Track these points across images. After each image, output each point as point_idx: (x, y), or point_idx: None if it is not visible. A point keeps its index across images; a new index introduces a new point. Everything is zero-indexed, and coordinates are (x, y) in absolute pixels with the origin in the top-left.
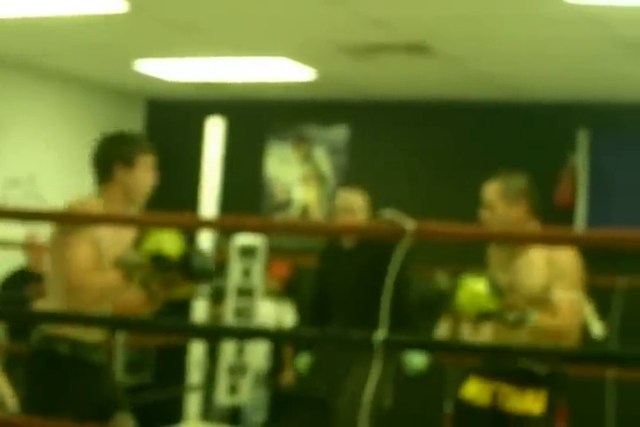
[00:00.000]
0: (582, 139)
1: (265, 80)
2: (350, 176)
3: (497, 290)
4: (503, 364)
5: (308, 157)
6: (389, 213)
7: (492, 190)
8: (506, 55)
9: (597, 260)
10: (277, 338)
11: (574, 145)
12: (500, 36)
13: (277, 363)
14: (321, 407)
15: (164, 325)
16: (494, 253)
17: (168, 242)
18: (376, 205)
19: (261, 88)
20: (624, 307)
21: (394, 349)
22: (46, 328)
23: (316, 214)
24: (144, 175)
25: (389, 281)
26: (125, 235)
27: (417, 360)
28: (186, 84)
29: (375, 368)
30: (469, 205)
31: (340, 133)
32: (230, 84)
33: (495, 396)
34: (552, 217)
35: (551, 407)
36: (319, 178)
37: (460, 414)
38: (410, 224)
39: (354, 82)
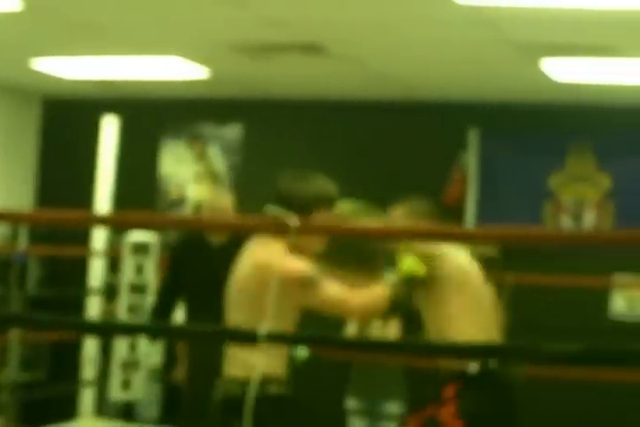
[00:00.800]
0: (473, 138)
1: (160, 79)
2: (244, 174)
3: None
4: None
5: (202, 156)
6: (274, 210)
7: (397, 214)
8: (400, 56)
9: (484, 258)
10: (167, 333)
11: (465, 144)
12: (395, 37)
13: (170, 358)
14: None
15: (58, 322)
16: None
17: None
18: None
19: (157, 87)
20: (510, 304)
21: (277, 342)
22: None
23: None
24: None
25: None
26: None
27: (300, 351)
28: (82, 83)
29: (260, 360)
30: (365, 201)
31: (234, 132)
32: (126, 83)
33: None
34: (443, 216)
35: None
36: (213, 176)
37: None
38: (294, 220)
39: (248, 81)
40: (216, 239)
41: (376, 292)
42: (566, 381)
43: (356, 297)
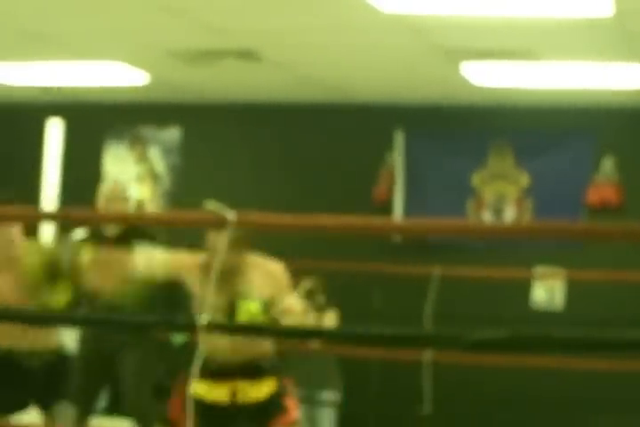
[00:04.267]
0: (399, 139)
1: (103, 84)
2: (183, 175)
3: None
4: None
5: (143, 157)
6: (212, 205)
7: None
8: (329, 61)
9: (413, 251)
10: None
11: (392, 145)
12: (325, 43)
13: None
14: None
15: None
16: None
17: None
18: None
19: (99, 91)
20: (438, 295)
21: (215, 331)
22: None
23: (150, 210)
24: None
25: (216, 270)
26: None
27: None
28: (27, 88)
29: (200, 351)
30: (296, 200)
31: (173, 135)
32: (70, 88)
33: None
34: (371, 213)
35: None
36: (153, 176)
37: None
38: (231, 214)
39: (187, 86)
40: (111, 231)
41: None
42: (489, 367)
43: None
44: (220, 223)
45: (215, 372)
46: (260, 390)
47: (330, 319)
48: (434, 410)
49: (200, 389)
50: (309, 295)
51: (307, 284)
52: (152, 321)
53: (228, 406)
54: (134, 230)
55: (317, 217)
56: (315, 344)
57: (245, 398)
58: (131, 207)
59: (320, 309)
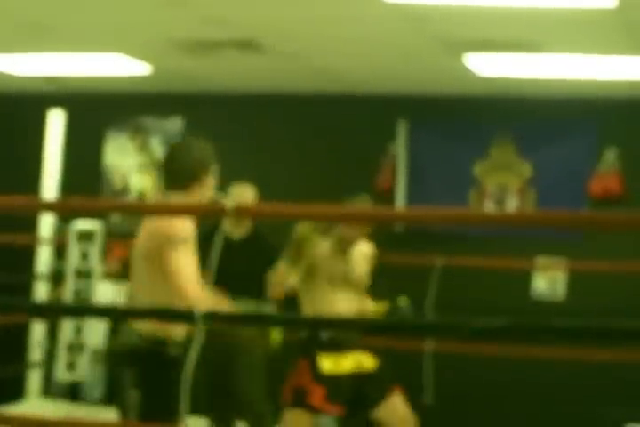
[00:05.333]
0: (401, 129)
1: (104, 75)
2: None
3: None
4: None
5: (144, 147)
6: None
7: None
8: (332, 51)
9: (416, 240)
10: (111, 315)
11: (394, 135)
12: (327, 34)
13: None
14: None
15: (4, 304)
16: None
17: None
18: None
19: (101, 82)
20: (440, 284)
21: (214, 322)
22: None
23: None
24: None
25: (214, 258)
26: None
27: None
28: (30, 79)
29: (197, 339)
30: (297, 190)
31: (175, 125)
32: (72, 79)
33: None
34: (373, 203)
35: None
36: (155, 167)
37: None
38: (230, 203)
39: (188, 76)
40: (237, 233)
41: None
42: (491, 357)
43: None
44: (218, 212)
45: (340, 344)
46: (370, 361)
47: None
48: (435, 400)
49: (327, 362)
50: None
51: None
52: (148, 311)
53: (354, 377)
54: (259, 234)
55: (317, 206)
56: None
57: (365, 369)
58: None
59: None
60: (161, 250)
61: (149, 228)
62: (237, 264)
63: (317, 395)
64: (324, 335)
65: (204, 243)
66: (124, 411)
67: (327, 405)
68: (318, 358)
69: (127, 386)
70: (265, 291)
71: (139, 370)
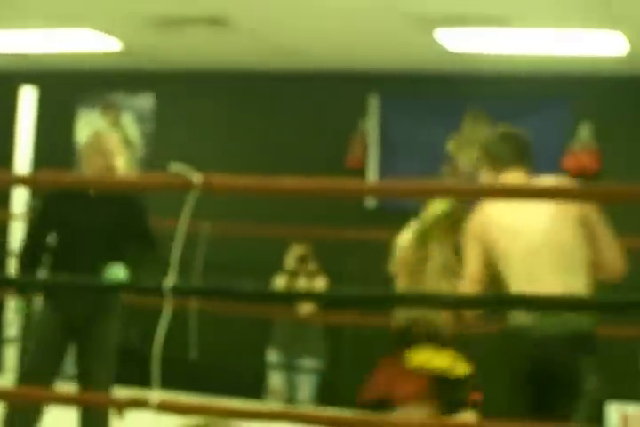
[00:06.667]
0: (373, 105)
1: (75, 51)
2: (157, 141)
3: None
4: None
5: (116, 124)
6: (177, 167)
7: None
8: (301, 27)
9: (388, 217)
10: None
11: (365, 111)
12: (295, 9)
13: None
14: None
15: None
16: None
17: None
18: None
19: (71, 58)
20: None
21: (182, 295)
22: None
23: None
24: None
25: (180, 233)
26: None
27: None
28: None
29: (165, 314)
30: (269, 166)
31: (146, 101)
32: (42, 55)
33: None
34: (344, 179)
35: None
36: (127, 143)
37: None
38: (197, 177)
39: (159, 52)
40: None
41: None
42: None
43: None
44: (185, 186)
45: (435, 339)
46: (463, 366)
47: (320, 286)
48: None
49: (422, 357)
50: (302, 262)
51: (298, 250)
52: (117, 285)
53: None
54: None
55: (284, 179)
56: (305, 310)
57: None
58: (116, 163)
59: (312, 275)
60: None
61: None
62: (91, 218)
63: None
64: (423, 328)
65: (56, 200)
66: None
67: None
68: (413, 351)
69: None
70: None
71: None
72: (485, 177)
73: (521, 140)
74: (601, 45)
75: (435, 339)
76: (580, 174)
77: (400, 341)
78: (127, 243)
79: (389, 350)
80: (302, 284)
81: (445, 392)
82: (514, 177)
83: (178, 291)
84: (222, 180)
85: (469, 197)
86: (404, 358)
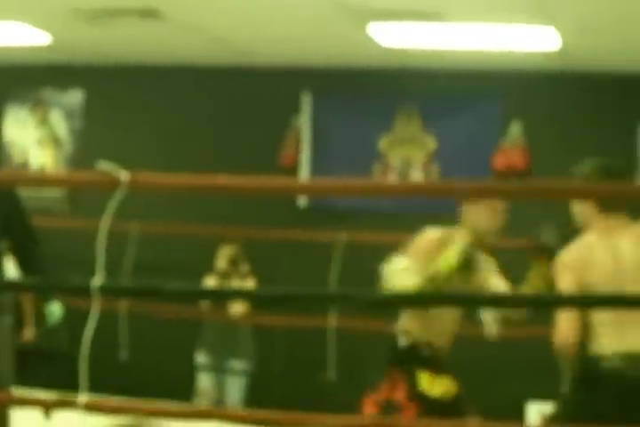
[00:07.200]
0: (305, 102)
1: (2, 44)
2: (86, 139)
3: None
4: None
5: (44, 121)
6: (104, 165)
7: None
8: (236, 22)
9: (320, 216)
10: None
11: (298, 108)
12: (231, 4)
13: (18, 319)
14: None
15: None
16: None
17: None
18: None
19: None
20: (343, 261)
21: (110, 295)
22: None
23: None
24: None
25: (103, 232)
26: None
27: (55, 309)
28: None
29: (93, 314)
30: (200, 164)
31: (75, 97)
32: None
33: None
34: (277, 177)
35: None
36: (55, 140)
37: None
38: (124, 175)
39: (89, 47)
40: None
41: None
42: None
43: None
44: (112, 184)
45: (438, 364)
46: (454, 386)
47: (250, 287)
48: (338, 377)
49: (425, 381)
50: (233, 263)
51: (228, 251)
52: (45, 284)
53: (451, 401)
54: None
55: (214, 177)
56: (236, 311)
57: (449, 394)
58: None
59: (244, 276)
60: None
61: None
62: None
63: (410, 414)
64: (425, 351)
65: None
66: None
67: None
68: (418, 374)
69: None
70: None
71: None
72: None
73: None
74: (533, 41)
75: (434, 362)
76: (508, 172)
77: (399, 362)
78: (9, 239)
79: (384, 371)
80: (234, 285)
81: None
82: (618, 223)
83: (105, 291)
84: (150, 178)
85: (403, 195)
86: (403, 382)
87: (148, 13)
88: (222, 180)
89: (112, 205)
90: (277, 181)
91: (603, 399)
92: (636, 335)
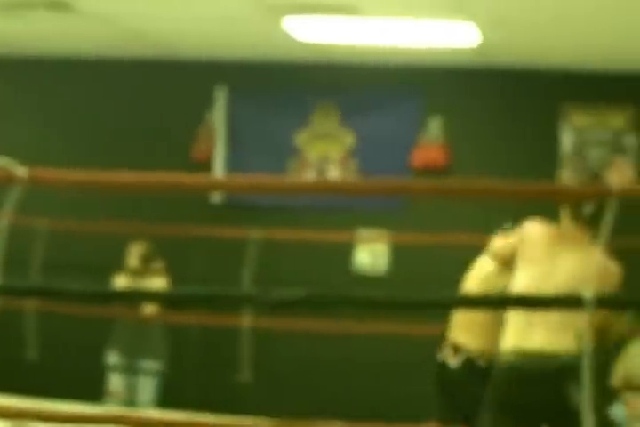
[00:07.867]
0: (220, 96)
1: None
2: None
3: None
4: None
5: None
6: (1, 161)
7: None
8: (149, 15)
9: (234, 213)
10: None
11: (212, 102)
12: None
13: None
14: None
15: None
16: None
17: None
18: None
19: None
20: (258, 258)
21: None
22: None
23: None
24: None
25: (1, 229)
26: None
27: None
28: None
29: None
30: (109, 159)
31: None
32: None
33: None
34: (190, 172)
35: None
36: None
37: None
38: (22, 171)
39: None
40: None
41: None
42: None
43: None
44: (8, 180)
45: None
46: None
47: (159, 285)
48: (253, 377)
49: None
50: (146, 261)
51: (139, 248)
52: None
53: None
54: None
55: (120, 174)
56: (149, 311)
57: None
58: None
59: (157, 274)
60: None
61: None
62: None
63: None
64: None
65: None
66: None
67: None
68: None
69: None
70: None
71: None
72: None
73: None
74: (453, 36)
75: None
76: (428, 169)
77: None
78: None
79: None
80: (147, 283)
81: None
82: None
83: (6, 291)
84: (50, 174)
85: (319, 192)
86: None
87: (58, 5)
88: (129, 177)
89: (10, 202)
90: (187, 178)
91: (495, 389)
92: (540, 335)
